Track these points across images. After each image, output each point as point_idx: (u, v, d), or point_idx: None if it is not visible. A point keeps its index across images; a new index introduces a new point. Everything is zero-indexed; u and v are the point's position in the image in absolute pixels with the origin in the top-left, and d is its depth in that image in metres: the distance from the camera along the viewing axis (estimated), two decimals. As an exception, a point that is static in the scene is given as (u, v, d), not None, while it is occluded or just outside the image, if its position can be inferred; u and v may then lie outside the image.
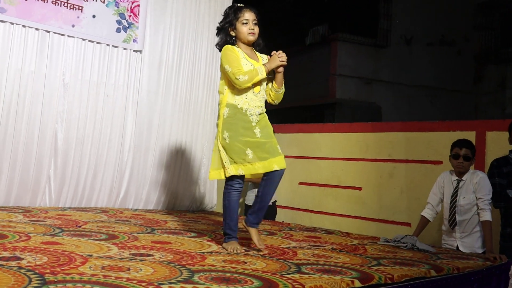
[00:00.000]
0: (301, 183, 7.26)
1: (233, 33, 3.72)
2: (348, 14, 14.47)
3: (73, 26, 5.57)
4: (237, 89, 3.62)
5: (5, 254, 2.83)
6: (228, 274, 2.75)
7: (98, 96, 5.78)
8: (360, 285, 2.79)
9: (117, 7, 5.88)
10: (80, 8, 5.61)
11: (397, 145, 6.22)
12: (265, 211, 3.76)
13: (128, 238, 3.75)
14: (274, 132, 6.37)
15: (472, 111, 15.24)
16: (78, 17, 5.60)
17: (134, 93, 6.03)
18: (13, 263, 2.62)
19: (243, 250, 3.56)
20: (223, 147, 3.62)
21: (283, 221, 6.30)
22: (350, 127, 6.86)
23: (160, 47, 6.21)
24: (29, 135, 5.35)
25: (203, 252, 3.40)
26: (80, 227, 4.16)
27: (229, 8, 3.79)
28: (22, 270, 2.47)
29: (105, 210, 5.51)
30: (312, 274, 2.88)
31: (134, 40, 6.02)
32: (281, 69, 3.71)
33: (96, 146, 5.79)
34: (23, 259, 2.73)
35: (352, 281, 2.77)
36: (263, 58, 3.80)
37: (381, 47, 14.56)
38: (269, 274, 2.82)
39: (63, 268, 2.58)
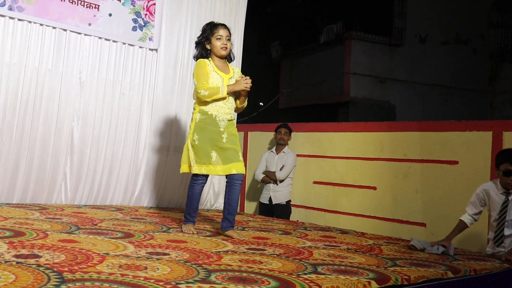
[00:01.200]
0: (315, 182, 7.24)
1: (208, 47, 4.21)
2: (362, 12, 14.40)
3: (89, 24, 5.60)
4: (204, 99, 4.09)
5: (24, 251, 2.86)
6: (244, 274, 2.75)
7: (114, 94, 5.81)
8: (377, 286, 2.78)
9: (133, 6, 5.90)
10: (97, 6, 5.64)
11: (412, 144, 6.18)
12: (235, 214, 4.24)
13: (144, 237, 3.77)
14: (292, 131, 6.44)
15: (488, 110, 15.12)
16: (94, 15, 5.63)
17: (149, 91, 6.05)
18: (32, 260, 2.64)
19: (196, 232, 4.17)
20: (192, 146, 4.14)
21: (297, 220, 6.30)
22: (365, 126, 6.83)
23: (176, 45, 6.23)
24: (46, 133, 5.39)
25: (219, 251, 3.41)
26: (96, 225, 4.18)
27: (207, 24, 4.29)
28: (41, 268, 2.49)
29: (120, 208, 5.54)
30: (328, 274, 2.88)
31: (150, 39, 6.04)
32: (244, 92, 4.19)
33: (111, 144, 5.82)
34: (41, 256, 2.76)
35: (369, 282, 2.76)
36: (235, 71, 4.32)
37: (395, 45, 14.47)
38: (286, 274, 2.82)
39: (81, 267, 2.60)
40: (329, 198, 7.07)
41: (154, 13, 6.06)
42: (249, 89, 4.15)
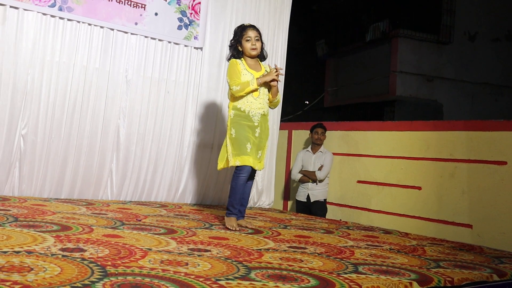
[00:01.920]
0: (359, 181, 7.18)
1: (240, 48, 4.43)
2: (409, 10, 14.18)
3: (136, 24, 5.70)
4: (239, 96, 4.32)
5: (69, 245, 2.93)
6: (284, 272, 2.76)
7: (159, 92, 5.90)
8: (419, 287, 2.74)
9: (179, 5, 5.97)
10: (143, 6, 5.73)
11: (459, 144, 6.06)
12: (246, 206, 4.58)
13: (187, 233, 3.81)
14: (326, 130, 6.42)
15: (539, 110, 14.70)
16: (141, 15, 5.72)
17: (194, 90, 6.12)
18: (77, 254, 2.71)
19: (238, 229, 4.24)
20: (230, 140, 4.34)
21: (340, 220, 6.26)
22: (411, 125, 6.73)
23: (221, 44, 6.27)
24: (93, 130, 5.52)
25: (260, 249, 3.42)
26: (140, 220, 4.26)
27: (237, 27, 4.52)
28: (85, 262, 2.55)
29: (164, 205, 5.62)
30: (369, 274, 2.86)
31: (195, 37, 6.11)
32: (274, 83, 4.35)
33: (156, 141, 5.91)
34: (86, 250, 2.82)
35: (410, 283, 2.73)
36: (267, 69, 4.47)
37: (443, 43, 14.20)
38: (326, 273, 2.82)
39: (123, 261, 2.65)
40: (373, 197, 7.00)
41: (199, 12, 6.12)
42: (279, 79, 4.35)
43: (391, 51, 14.23)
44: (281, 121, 7.13)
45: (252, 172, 4.41)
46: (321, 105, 16.39)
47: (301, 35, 15.24)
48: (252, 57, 4.44)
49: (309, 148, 6.93)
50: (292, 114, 15.32)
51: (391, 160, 6.88)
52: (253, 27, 4.45)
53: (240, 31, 4.44)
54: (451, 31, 14.23)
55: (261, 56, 4.53)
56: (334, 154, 7.01)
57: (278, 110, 6.86)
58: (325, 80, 16.67)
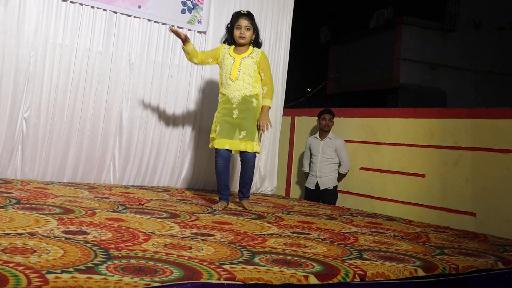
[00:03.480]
0: (362, 168, 7.15)
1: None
2: (414, -4, 14.10)
3: (139, 7, 5.65)
4: (220, 80, 4.64)
5: (72, 228, 2.91)
6: (289, 257, 2.74)
7: (162, 76, 5.86)
8: (424, 274, 2.72)
9: (183, -12, 5.91)
10: (147, -11, 5.67)
11: (463, 132, 6.02)
12: (248, 188, 4.74)
13: (190, 218, 3.80)
14: (334, 116, 6.39)
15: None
16: (144, -2, 5.67)
17: (197, 74, 6.07)
18: (80, 237, 2.69)
19: (221, 209, 4.45)
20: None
21: (343, 206, 6.25)
22: (415, 112, 6.68)
23: (224, 28, 6.19)
24: (96, 114, 5.49)
25: (264, 234, 3.40)
26: (143, 204, 4.24)
27: (234, 13, 4.69)
28: (88, 245, 2.53)
29: (167, 189, 5.60)
30: (374, 260, 2.84)
31: (199, 21, 6.05)
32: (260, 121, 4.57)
33: (159, 126, 5.89)
34: (89, 233, 2.81)
35: (415, 270, 2.71)
36: (254, 51, 4.58)
37: (448, 31, 14.13)
38: (330, 258, 2.80)
39: (127, 244, 2.64)
40: (376, 185, 6.98)
41: (203, -5, 6.06)
42: (263, 129, 4.55)
43: (395, 38, 14.16)
44: (284, 107, 7.08)
45: (248, 156, 4.55)
46: (324, 92, 16.34)
47: (304, 21, 15.15)
48: (240, 44, 4.58)
49: (317, 135, 6.87)
50: (294, 101, 15.27)
51: (394, 147, 6.85)
52: (247, 15, 4.56)
53: (234, 18, 4.61)
54: (455, 18, 14.16)
55: (256, 43, 4.67)
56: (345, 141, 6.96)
57: (280, 96, 6.80)
58: (328, 67, 16.61)
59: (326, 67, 16.60)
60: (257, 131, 4.57)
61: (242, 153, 4.58)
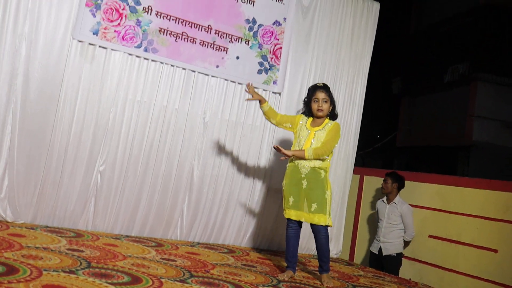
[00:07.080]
0: (430, 236, 6.93)
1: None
2: (491, 53, 13.75)
3: (217, 66, 5.75)
4: (293, 148, 4.72)
5: (141, 306, 2.93)
6: None
7: (235, 136, 5.91)
8: None
9: (260, 49, 5.99)
10: (226, 49, 5.78)
11: (542, 209, 5.76)
12: (325, 260, 4.58)
13: (255, 293, 3.75)
14: (398, 179, 6.25)
15: None
16: (222, 58, 5.77)
17: (270, 134, 6.09)
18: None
19: (286, 279, 4.46)
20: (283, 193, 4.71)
21: (410, 279, 6.05)
22: (489, 184, 6.45)
23: (299, 89, 6.23)
24: (168, 170, 5.57)
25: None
26: (208, 272, 4.23)
27: (310, 86, 4.79)
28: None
29: (232, 250, 5.58)
30: None
31: (274, 82, 6.10)
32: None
33: (229, 184, 5.91)
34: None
35: None
36: (328, 124, 4.63)
37: (526, 89, 13.67)
38: None
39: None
40: (444, 255, 6.73)
41: (280, 56, 6.11)
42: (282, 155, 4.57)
43: (469, 94, 13.83)
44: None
45: (317, 228, 4.49)
46: (393, 144, 16.06)
47: (376, 69, 15.05)
48: (318, 117, 4.66)
49: (384, 199, 6.74)
50: (362, 150, 15.06)
51: (465, 218, 6.61)
52: (323, 88, 4.64)
53: (311, 91, 4.69)
54: (533, 76, 13.70)
55: (332, 116, 4.73)
56: (413, 206, 6.77)
57: (351, 160, 6.72)
58: (399, 118, 16.35)
59: (396, 118, 16.35)
60: (328, 203, 4.50)
61: (313, 224, 4.53)
